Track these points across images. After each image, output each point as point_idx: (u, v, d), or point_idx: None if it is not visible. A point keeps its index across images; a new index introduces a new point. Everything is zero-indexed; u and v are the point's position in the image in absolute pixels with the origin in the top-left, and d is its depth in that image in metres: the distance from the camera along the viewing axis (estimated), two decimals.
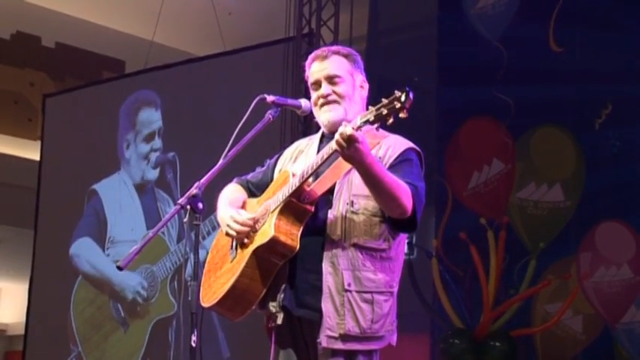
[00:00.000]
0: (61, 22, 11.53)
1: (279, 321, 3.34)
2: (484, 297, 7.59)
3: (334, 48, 3.55)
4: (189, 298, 3.24)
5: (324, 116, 3.45)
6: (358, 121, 3.08)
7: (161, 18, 10.14)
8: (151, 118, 9.10)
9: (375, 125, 3.06)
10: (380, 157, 3.31)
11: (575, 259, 7.51)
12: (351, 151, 3.06)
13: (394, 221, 3.28)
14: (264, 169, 3.69)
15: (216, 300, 3.39)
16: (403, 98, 3.00)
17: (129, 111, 9.27)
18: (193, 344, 3.20)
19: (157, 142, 9.01)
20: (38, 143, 10.45)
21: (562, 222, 7.67)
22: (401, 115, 3.00)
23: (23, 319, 9.88)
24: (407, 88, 3.01)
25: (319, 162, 3.24)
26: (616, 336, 7.30)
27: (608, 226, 7.43)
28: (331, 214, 3.31)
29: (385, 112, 3.02)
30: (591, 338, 7.49)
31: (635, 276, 7.25)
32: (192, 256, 3.29)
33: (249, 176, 3.70)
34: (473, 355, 7.47)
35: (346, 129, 3.06)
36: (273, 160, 3.68)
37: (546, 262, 7.63)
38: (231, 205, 3.51)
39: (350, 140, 3.04)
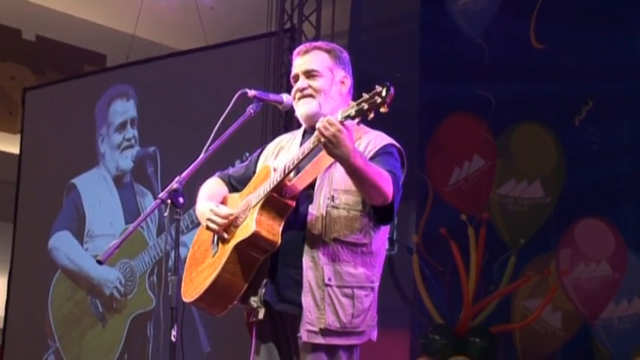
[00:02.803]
0: (41, 15, 11.47)
1: (261, 316, 3.34)
2: (464, 293, 7.61)
3: (317, 43, 3.58)
4: (170, 293, 3.23)
5: (298, 110, 3.49)
6: (339, 116, 3.09)
7: (143, 12, 10.11)
8: (122, 108, 9.08)
9: (357, 120, 3.07)
10: (360, 151, 3.32)
11: (554, 256, 7.53)
12: (332, 139, 3.06)
13: (375, 210, 3.29)
14: (246, 163, 3.70)
15: (198, 295, 3.39)
16: (384, 93, 3.01)
17: (102, 107, 9.25)
18: (173, 339, 3.19)
19: (130, 132, 8.98)
20: (18, 137, 10.40)
21: (542, 218, 7.70)
22: (382, 109, 3.01)
23: (2, 313, 9.83)
24: (387, 83, 3.02)
25: (300, 156, 3.24)
26: (595, 332, 7.33)
27: (588, 222, 7.46)
28: (312, 208, 3.32)
29: (366, 106, 3.04)
30: (570, 334, 7.52)
31: (614, 272, 7.28)
32: (172, 250, 3.28)
33: (231, 171, 3.71)
34: (453, 350, 7.48)
35: (327, 117, 3.08)
36: (255, 155, 3.69)
37: (526, 258, 7.66)
38: (211, 200, 3.52)
39: (331, 125, 3.05)
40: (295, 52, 3.57)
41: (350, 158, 3.10)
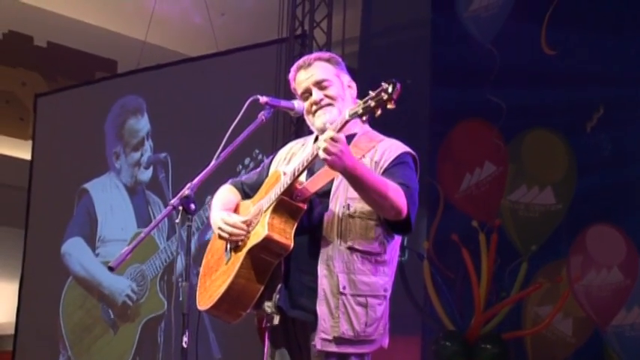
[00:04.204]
0: (53, 21, 11.51)
1: (276, 322, 3.34)
2: (475, 299, 7.59)
3: (315, 55, 3.58)
4: (180, 299, 3.23)
5: (319, 120, 3.45)
6: (347, 115, 3.09)
7: (154, 18, 10.13)
8: (137, 126, 9.09)
9: (364, 117, 3.06)
10: (376, 162, 3.33)
11: (566, 262, 7.51)
12: (339, 154, 3.05)
13: (390, 223, 3.29)
14: (258, 170, 3.71)
15: (213, 303, 3.39)
16: (390, 89, 3.00)
17: (115, 124, 9.25)
18: (185, 345, 3.19)
19: (147, 147, 9.01)
20: (30, 143, 10.43)
21: (553, 225, 7.68)
22: (389, 106, 3.01)
23: (13, 319, 9.85)
24: (393, 79, 3.01)
25: (310, 159, 3.23)
26: (606, 339, 7.31)
27: (599, 229, 7.44)
28: (327, 215, 3.31)
29: (373, 104, 3.03)
30: (581, 341, 7.49)
31: (625, 279, 7.26)
32: (183, 256, 3.28)
33: (244, 177, 3.71)
34: (464, 357, 7.47)
35: (327, 132, 3.07)
36: (267, 161, 3.69)
37: (537, 264, 7.64)
38: (223, 208, 3.52)
39: (337, 141, 3.04)
40: (295, 67, 3.56)
41: (354, 171, 3.10)
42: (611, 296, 7.30)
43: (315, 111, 3.46)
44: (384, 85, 3.02)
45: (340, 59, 3.57)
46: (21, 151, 11.55)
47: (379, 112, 3.03)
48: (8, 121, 11.96)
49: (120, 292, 8.84)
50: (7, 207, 11.47)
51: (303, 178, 3.34)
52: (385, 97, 3.01)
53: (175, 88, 8.88)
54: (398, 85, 3.00)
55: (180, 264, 3.27)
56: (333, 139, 3.05)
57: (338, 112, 3.41)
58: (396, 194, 3.18)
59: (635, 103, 7.42)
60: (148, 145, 8.99)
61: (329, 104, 3.44)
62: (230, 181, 3.72)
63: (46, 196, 9.75)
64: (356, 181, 3.14)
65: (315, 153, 3.19)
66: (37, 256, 9.66)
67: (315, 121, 3.47)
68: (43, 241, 9.63)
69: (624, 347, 7.23)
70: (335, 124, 3.17)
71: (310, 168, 3.30)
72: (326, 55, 3.58)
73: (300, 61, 3.55)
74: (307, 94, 3.50)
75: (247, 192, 3.64)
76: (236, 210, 3.55)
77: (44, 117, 10.08)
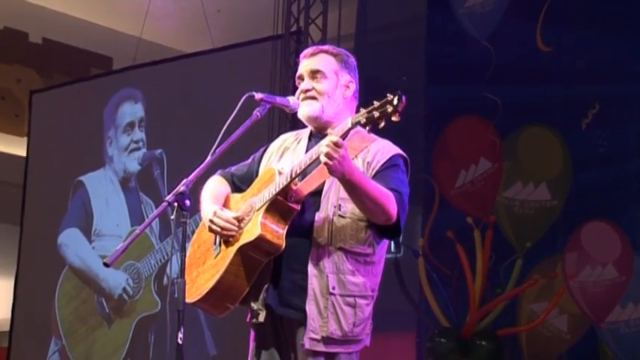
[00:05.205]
0: (48, 18, 11.49)
1: (261, 319, 3.35)
2: (470, 296, 7.60)
3: (325, 47, 3.59)
4: (176, 296, 3.22)
5: (301, 110, 3.48)
6: (349, 123, 3.08)
7: (149, 15, 10.12)
8: (130, 110, 9.09)
9: (367, 128, 3.05)
10: (368, 162, 3.34)
11: (561, 259, 7.52)
12: (340, 159, 3.05)
13: (378, 227, 3.29)
14: (248, 162, 3.69)
15: (200, 296, 3.41)
16: (395, 101, 2.99)
17: (110, 111, 9.25)
18: (180, 342, 3.19)
19: (137, 134, 8.99)
20: (25, 139, 10.41)
21: (548, 221, 7.68)
22: (393, 118, 2.99)
23: (9, 315, 9.84)
24: (399, 92, 2.99)
25: (308, 161, 3.23)
26: (601, 335, 7.32)
27: (594, 225, 7.45)
28: (318, 216, 3.32)
29: (377, 115, 3.02)
30: (576, 338, 7.50)
31: (621, 276, 7.27)
32: (178, 253, 3.27)
33: (234, 169, 3.69)
34: (459, 354, 7.48)
35: (333, 138, 3.06)
36: (259, 154, 3.68)
37: (532, 261, 7.64)
38: (215, 200, 3.51)
39: (340, 147, 3.04)
40: (302, 54, 3.58)
41: (350, 176, 3.11)
42: (606, 292, 7.32)
43: (303, 99, 3.48)
44: (389, 96, 3.01)
45: (350, 58, 3.56)
46: (16, 147, 11.53)
47: (383, 124, 3.02)
48: (3, 117, 11.93)
49: (117, 284, 8.83)
50: (2, 204, 11.45)
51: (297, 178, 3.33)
52: (390, 109, 2.99)
53: (171, 84, 8.88)
54: (403, 98, 2.98)
55: (175, 261, 3.26)
56: (336, 144, 3.05)
57: (320, 107, 3.43)
58: (388, 201, 3.19)
59: (630, 100, 7.44)
60: (141, 134, 8.98)
61: (313, 97, 3.45)
62: (219, 172, 3.70)
63: (41, 192, 9.73)
64: (351, 186, 3.15)
65: (314, 157, 3.19)
66: (33, 253, 9.65)
67: (299, 110, 3.50)
68: (38, 238, 9.61)
69: (619, 344, 7.24)
70: (337, 129, 3.17)
71: None
72: (336, 50, 3.57)
73: (310, 49, 3.59)
74: (300, 80, 3.53)
75: (237, 184, 3.63)
76: (226, 203, 3.55)
77: (39, 113, 10.06)
